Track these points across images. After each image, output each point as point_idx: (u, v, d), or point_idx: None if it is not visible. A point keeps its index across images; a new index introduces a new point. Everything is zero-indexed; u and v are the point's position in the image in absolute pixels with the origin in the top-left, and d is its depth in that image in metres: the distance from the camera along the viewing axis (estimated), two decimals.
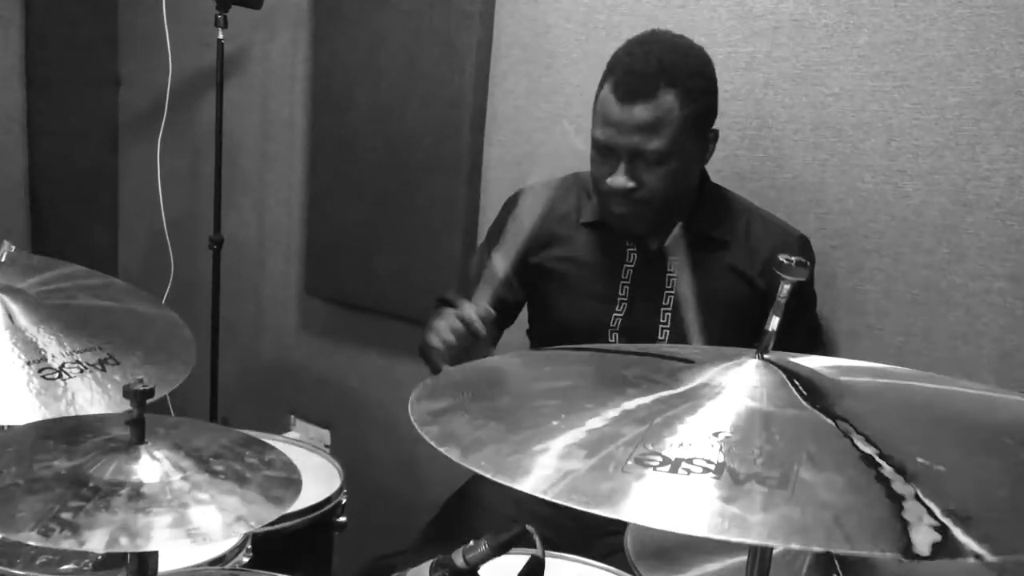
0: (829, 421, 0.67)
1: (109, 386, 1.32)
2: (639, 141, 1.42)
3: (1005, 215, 1.57)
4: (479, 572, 0.81)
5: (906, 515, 0.58)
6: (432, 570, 0.83)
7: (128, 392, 0.81)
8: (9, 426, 1.02)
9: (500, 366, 0.91)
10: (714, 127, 1.55)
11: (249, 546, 1.24)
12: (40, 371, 1.30)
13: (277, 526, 1.42)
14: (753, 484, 0.59)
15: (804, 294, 1.60)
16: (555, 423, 0.67)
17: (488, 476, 0.63)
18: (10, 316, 1.37)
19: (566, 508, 0.57)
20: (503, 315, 1.70)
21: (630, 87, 1.41)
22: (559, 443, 0.64)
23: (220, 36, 2.30)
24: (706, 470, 0.61)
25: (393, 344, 2.38)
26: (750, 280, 1.54)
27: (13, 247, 1.43)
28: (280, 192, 2.56)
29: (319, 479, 1.66)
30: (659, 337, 1.55)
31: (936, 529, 0.57)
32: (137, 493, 0.74)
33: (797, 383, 0.68)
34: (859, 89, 1.68)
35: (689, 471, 0.60)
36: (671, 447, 0.63)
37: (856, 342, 1.73)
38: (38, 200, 2.87)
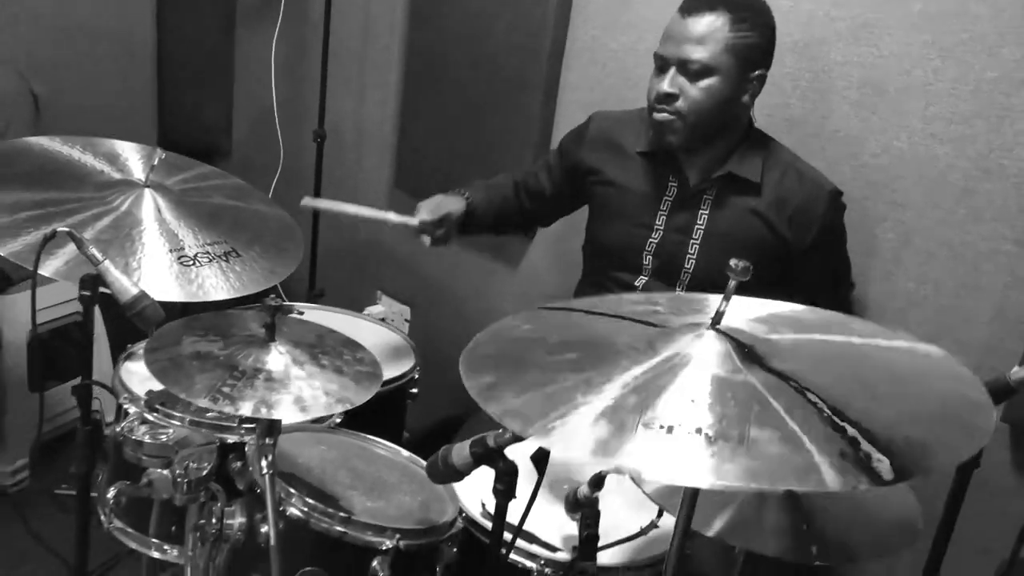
0: (774, 380, 0.90)
1: (231, 275, 1.67)
2: (687, 50, 1.63)
3: (1021, 184, 1.73)
4: (504, 452, 1.12)
5: (841, 454, 0.75)
6: (471, 445, 1.14)
7: (265, 307, 1.13)
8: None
9: (517, 336, 1.10)
10: (763, 72, 1.70)
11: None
12: (179, 258, 1.65)
13: None
14: (721, 443, 0.79)
15: (829, 242, 1.79)
16: (580, 397, 0.86)
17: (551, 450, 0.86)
18: (158, 210, 1.71)
19: None
20: (540, 214, 2.04)
21: (692, 4, 1.64)
22: (588, 413, 0.83)
23: None
24: (690, 432, 0.81)
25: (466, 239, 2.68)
26: (773, 227, 1.74)
27: (164, 153, 1.74)
28: (377, 94, 2.82)
29: (398, 356, 2.00)
30: (685, 266, 1.79)
31: (862, 460, 0.77)
32: (270, 377, 1.08)
33: (744, 350, 0.93)
34: (907, 54, 1.82)
35: (677, 432, 0.80)
36: (664, 413, 0.83)
37: (869, 285, 1.94)
38: (163, 72, 3.20)
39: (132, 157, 1.86)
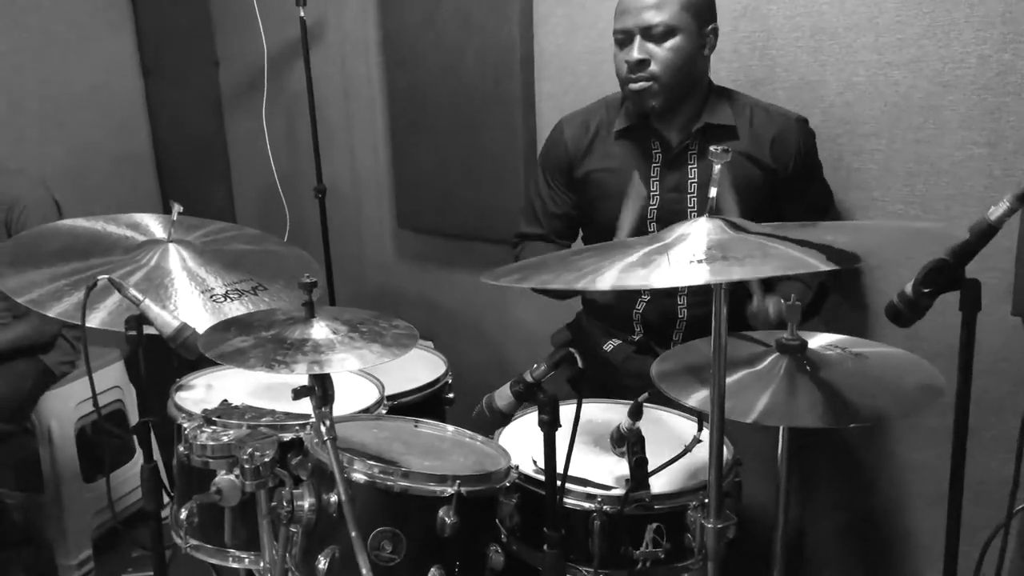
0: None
1: (262, 305, 1.78)
2: (648, 16, 1.75)
3: (979, 90, 1.83)
4: (543, 384, 1.20)
5: None
6: (512, 385, 1.23)
7: (301, 284, 1.24)
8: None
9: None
10: (715, 25, 1.83)
11: (386, 401, 1.68)
12: (211, 297, 1.76)
13: (405, 399, 1.87)
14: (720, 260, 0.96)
15: (808, 167, 1.90)
16: (605, 263, 1.02)
17: (580, 288, 0.99)
18: (183, 260, 1.83)
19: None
20: (572, 229, 2.09)
21: None
22: (616, 267, 1.01)
23: (301, 13, 2.68)
24: (701, 260, 0.98)
25: (475, 262, 2.79)
26: (757, 161, 1.84)
27: (181, 208, 1.87)
28: (366, 142, 2.97)
29: (429, 366, 2.09)
30: (688, 219, 1.88)
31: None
32: (316, 345, 1.18)
33: (733, 226, 1.04)
34: None
35: (697, 260, 0.98)
36: (686, 252, 1.01)
37: (864, 214, 2.03)
38: (163, 168, 3.38)
39: (152, 223, 1.99)
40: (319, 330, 1.23)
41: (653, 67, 1.78)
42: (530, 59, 2.48)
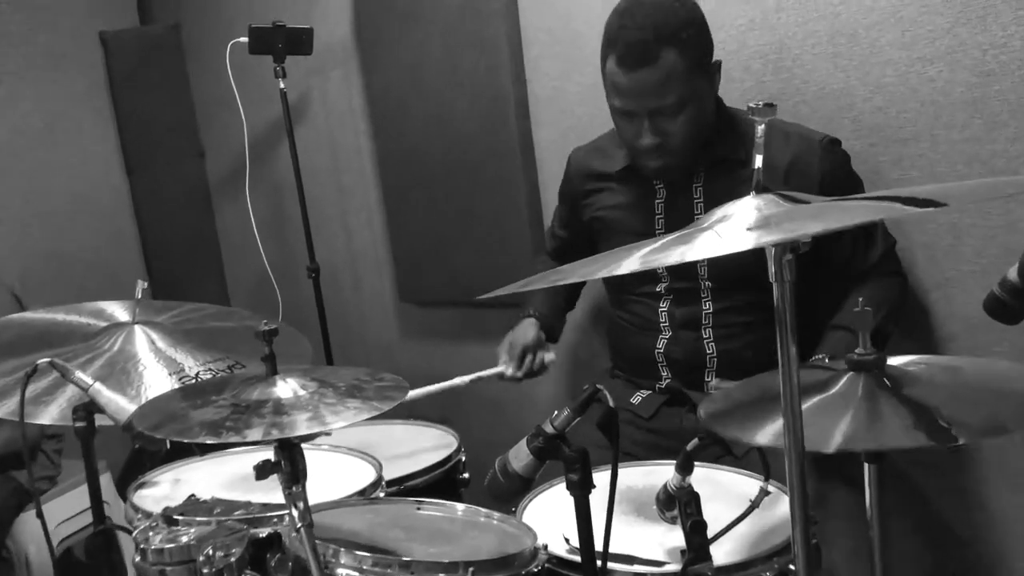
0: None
1: None
2: (653, 101, 1.55)
3: None
4: (566, 434, 0.96)
5: None
6: (528, 441, 0.98)
7: (259, 334, 1.01)
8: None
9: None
10: (717, 59, 1.66)
11: (384, 484, 1.43)
12: (181, 379, 1.54)
13: (411, 482, 1.62)
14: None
15: (844, 194, 1.66)
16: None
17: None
18: (152, 341, 1.62)
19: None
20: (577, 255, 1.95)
21: (633, 57, 1.54)
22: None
23: (282, 86, 2.55)
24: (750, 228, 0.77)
25: (488, 330, 2.54)
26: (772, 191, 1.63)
27: (146, 284, 1.66)
28: (361, 214, 2.79)
29: (441, 445, 1.84)
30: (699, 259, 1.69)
31: None
32: (279, 404, 0.94)
33: (788, 198, 0.82)
34: None
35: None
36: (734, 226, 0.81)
37: (920, 227, 1.79)
38: (153, 267, 3.21)
39: (117, 308, 1.78)
40: (283, 388, 1.00)
41: (671, 144, 1.61)
42: (524, 105, 2.31)
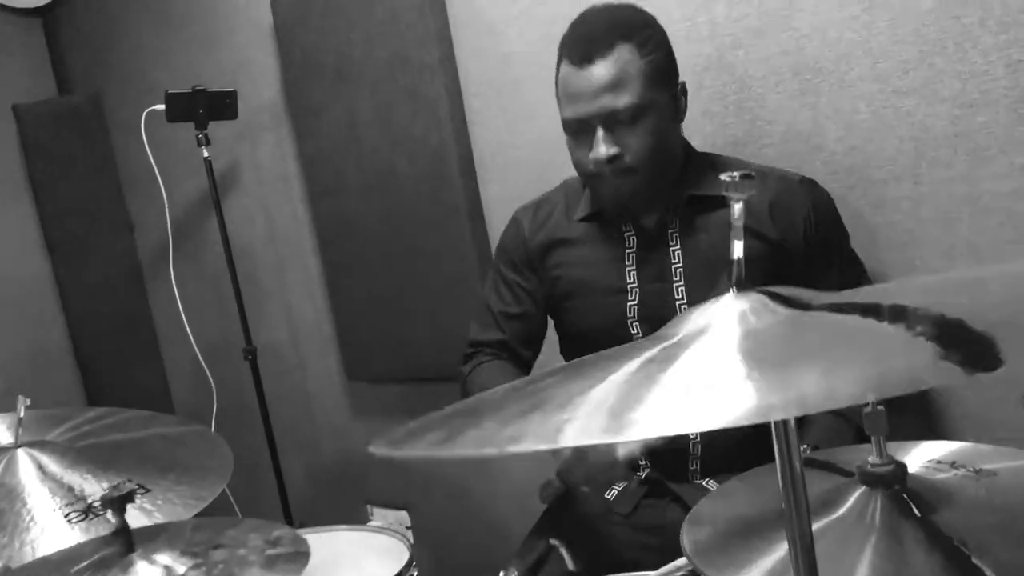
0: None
1: (142, 516, 1.32)
2: (609, 101, 1.36)
3: (1016, 103, 1.47)
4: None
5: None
6: None
7: (106, 501, 0.78)
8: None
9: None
10: (682, 82, 1.48)
11: None
12: (67, 516, 1.30)
13: None
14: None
15: (826, 236, 1.49)
16: (578, 394, 0.59)
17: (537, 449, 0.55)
18: (40, 467, 1.38)
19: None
20: (534, 334, 1.68)
21: (584, 51, 1.37)
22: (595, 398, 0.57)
23: (206, 154, 2.34)
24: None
25: (443, 407, 2.33)
26: (757, 232, 1.44)
27: (28, 400, 1.43)
28: (301, 288, 2.57)
29: (391, 557, 1.60)
30: (678, 313, 1.48)
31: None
32: None
33: (780, 299, 0.61)
34: (829, 23, 1.61)
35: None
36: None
37: (905, 276, 1.62)
38: (83, 354, 2.95)
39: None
40: (145, 570, 0.77)
41: (627, 159, 1.40)
42: (469, 162, 2.12)
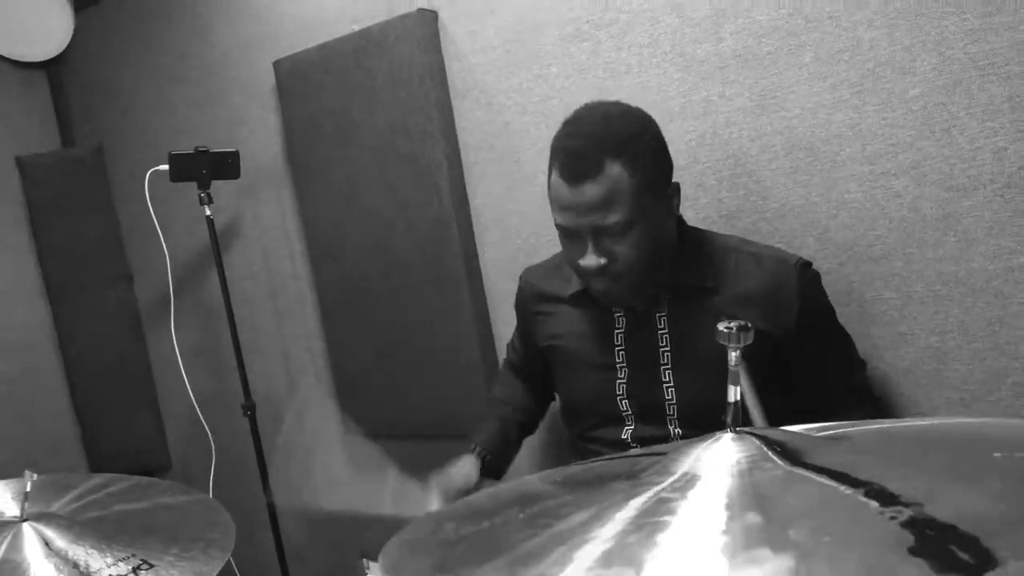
0: (820, 479, 0.62)
1: None
2: (597, 218, 1.37)
3: (1002, 189, 1.51)
4: None
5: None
6: None
7: None
8: None
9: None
10: (675, 182, 1.48)
11: None
12: None
13: None
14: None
15: (817, 321, 1.50)
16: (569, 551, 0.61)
17: None
18: (46, 543, 1.39)
19: None
20: (542, 389, 1.82)
21: (575, 169, 1.37)
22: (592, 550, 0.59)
23: (208, 213, 2.37)
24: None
25: (441, 465, 2.35)
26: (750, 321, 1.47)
27: (35, 475, 1.44)
28: (300, 343, 2.60)
29: None
30: (667, 397, 1.50)
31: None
32: None
33: (776, 448, 0.64)
34: (819, 105, 1.66)
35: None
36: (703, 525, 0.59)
37: (894, 352, 1.66)
38: (80, 401, 2.97)
39: (2, 496, 1.55)
40: None
41: (617, 267, 1.42)
42: (468, 226, 2.16)
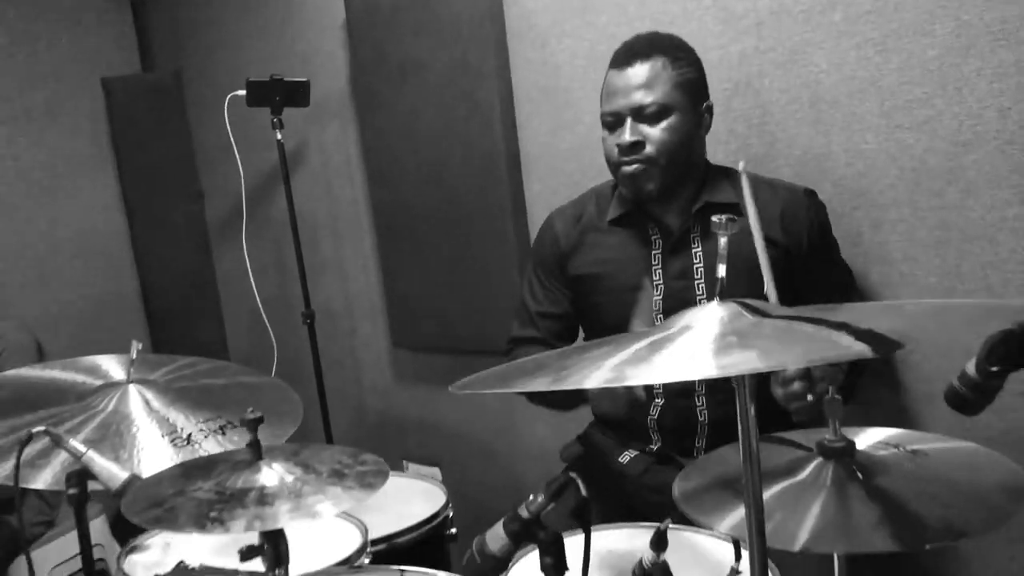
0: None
1: (230, 444, 1.58)
2: (639, 97, 1.63)
3: (1003, 145, 1.67)
4: (540, 517, 0.99)
5: None
6: (505, 525, 1.01)
7: (243, 421, 1.04)
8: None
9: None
10: (709, 103, 1.72)
11: (369, 550, 1.45)
12: (172, 442, 1.57)
13: (397, 540, 1.64)
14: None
15: (825, 242, 1.73)
16: (599, 359, 0.84)
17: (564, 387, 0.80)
18: (147, 402, 1.65)
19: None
20: (569, 330, 1.89)
21: (626, 55, 1.67)
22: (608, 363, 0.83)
23: (279, 137, 2.59)
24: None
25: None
26: (768, 239, 1.64)
27: (140, 344, 1.70)
28: (356, 261, 2.83)
29: (428, 500, 1.86)
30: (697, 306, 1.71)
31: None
32: (263, 494, 0.97)
33: (751, 309, 0.85)
34: (845, 61, 1.82)
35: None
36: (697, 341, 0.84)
37: (893, 291, 1.84)
38: (152, 308, 3.25)
39: (112, 365, 1.81)
40: (268, 475, 1.03)
41: (648, 149, 1.65)
42: (516, 161, 2.36)
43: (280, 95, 2.57)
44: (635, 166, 1.66)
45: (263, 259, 2.99)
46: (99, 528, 2.57)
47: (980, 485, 1.02)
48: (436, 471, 2.78)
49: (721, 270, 0.86)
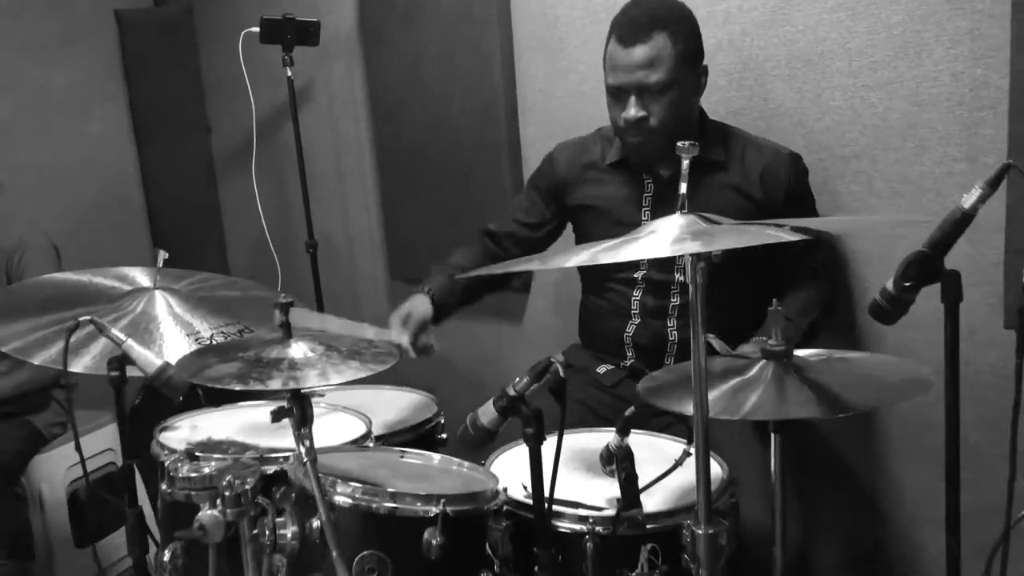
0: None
1: None
2: (643, 76, 1.76)
3: (954, 107, 1.85)
4: (525, 397, 1.18)
5: None
6: (494, 401, 1.21)
7: (277, 304, 1.23)
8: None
9: None
10: (705, 64, 1.87)
11: (373, 436, 1.65)
12: (196, 340, 1.75)
13: (395, 437, 1.84)
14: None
15: (799, 199, 1.91)
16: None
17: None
18: (170, 306, 1.83)
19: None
20: (519, 249, 2.06)
21: (630, 33, 1.76)
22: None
23: (289, 74, 2.74)
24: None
25: (470, 311, 2.76)
26: (747, 194, 1.86)
27: (167, 254, 1.87)
28: (357, 197, 3.00)
29: (421, 409, 2.06)
30: None
31: None
32: (293, 362, 1.16)
33: (707, 219, 1.05)
34: (819, 23, 1.98)
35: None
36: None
37: (853, 238, 2.02)
38: (157, 231, 3.42)
39: (139, 275, 1.98)
40: (296, 350, 1.22)
41: (652, 122, 1.80)
42: (514, 106, 2.52)
43: (292, 33, 2.71)
44: (638, 139, 1.82)
45: (268, 190, 3.14)
46: (109, 433, 2.76)
47: (890, 377, 1.23)
48: (432, 396, 2.99)
49: (683, 187, 1.04)
